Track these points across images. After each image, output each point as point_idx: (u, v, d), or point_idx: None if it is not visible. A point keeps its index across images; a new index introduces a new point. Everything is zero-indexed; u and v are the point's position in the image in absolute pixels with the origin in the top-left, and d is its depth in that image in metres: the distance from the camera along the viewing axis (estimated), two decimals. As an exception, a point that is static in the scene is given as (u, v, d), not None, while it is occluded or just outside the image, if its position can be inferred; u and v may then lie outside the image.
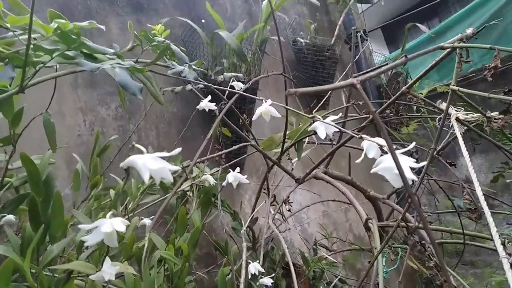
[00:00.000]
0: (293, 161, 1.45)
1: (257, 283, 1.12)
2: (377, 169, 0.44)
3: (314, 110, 1.17)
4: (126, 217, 0.98)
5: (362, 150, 0.53)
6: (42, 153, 0.85)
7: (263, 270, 0.93)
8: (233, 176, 1.00)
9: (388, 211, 1.57)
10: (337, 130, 0.62)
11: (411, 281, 2.10)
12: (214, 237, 1.44)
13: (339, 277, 1.67)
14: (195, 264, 1.49)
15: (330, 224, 2.27)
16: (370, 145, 0.48)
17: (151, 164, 0.46)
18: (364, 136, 0.50)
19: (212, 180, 1.10)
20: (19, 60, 0.50)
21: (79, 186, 0.95)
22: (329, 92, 1.64)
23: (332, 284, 1.60)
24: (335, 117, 0.72)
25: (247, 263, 0.87)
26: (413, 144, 0.48)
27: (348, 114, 1.43)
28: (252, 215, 1.31)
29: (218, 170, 1.23)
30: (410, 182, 0.39)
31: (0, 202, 0.84)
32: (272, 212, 1.31)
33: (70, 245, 0.95)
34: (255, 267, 0.92)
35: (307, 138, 1.38)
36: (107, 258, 0.61)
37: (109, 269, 0.59)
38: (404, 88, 0.83)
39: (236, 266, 1.05)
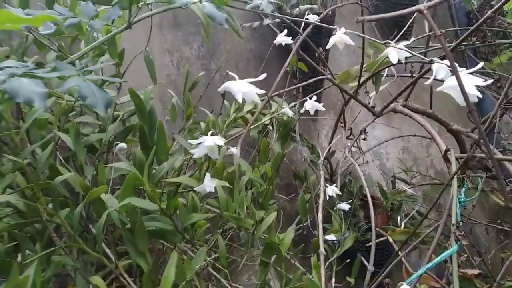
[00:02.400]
0: (370, 94, 1.45)
1: (335, 208, 1.20)
2: (442, 87, 0.46)
3: (394, 41, 1.14)
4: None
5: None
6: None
7: (340, 193, 1.00)
8: (310, 104, 1.05)
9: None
10: (410, 55, 0.63)
11: (495, 216, 2.04)
12: (294, 168, 1.53)
13: (416, 209, 1.69)
14: (277, 193, 1.60)
15: (410, 160, 2.25)
16: (440, 67, 0.49)
17: (243, 87, 0.54)
18: (434, 58, 0.51)
19: (290, 113, 1.17)
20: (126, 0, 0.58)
21: (175, 117, 1.07)
22: (409, 21, 1.56)
23: (410, 216, 1.63)
24: (407, 42, 0.71)
25: (325, 187, 0.94)
26: (481, 64, 0.48)
27: (431, 45, 1.37)
28: (329, 147, 1.37)
29: (295, 104, 1.29)
30: (475, 99, 0.41)
31: (112, 134, 1.00)
32: (349, 144, 1.35)
33: (169, 173, 1.09)
34: (332, 190, 0.99)
35: (386, 70, 1.35)
36: (207, 174, 0.73)
37: (209, 183, 0.71)
38: (489, 12, 0.78)
39: (315, 191, 1.13)
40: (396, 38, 1.55)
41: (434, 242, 0.78)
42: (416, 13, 1.62)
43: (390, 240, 1.45)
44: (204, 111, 1.23)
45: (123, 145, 0.94)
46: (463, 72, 0.44)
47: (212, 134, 0.64)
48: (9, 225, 0.65)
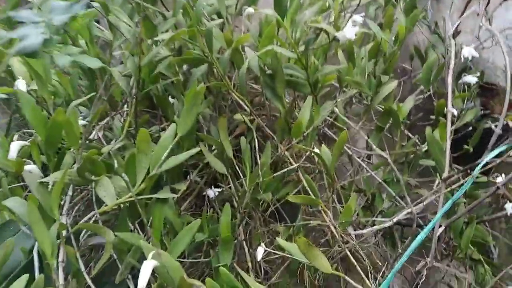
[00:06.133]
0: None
1: (459, 81, 1.14)
2: None
3: None
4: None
5: None
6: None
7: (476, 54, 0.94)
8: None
9: None
10: None
11: None
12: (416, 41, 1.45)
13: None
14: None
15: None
16: None
17: None
18: None
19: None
20: None
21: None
22: None
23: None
24: None
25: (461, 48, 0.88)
26: None
27: None
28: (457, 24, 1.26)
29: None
30: None
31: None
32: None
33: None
34: (469, 51, 0.92)
35: None
36: (349, 22, 0.74)
37: (351, 29, 0.72)
38: None
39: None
40: None
41: None
42: None
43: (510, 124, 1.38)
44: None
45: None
46: None
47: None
48: (178, 58, 0.76)
